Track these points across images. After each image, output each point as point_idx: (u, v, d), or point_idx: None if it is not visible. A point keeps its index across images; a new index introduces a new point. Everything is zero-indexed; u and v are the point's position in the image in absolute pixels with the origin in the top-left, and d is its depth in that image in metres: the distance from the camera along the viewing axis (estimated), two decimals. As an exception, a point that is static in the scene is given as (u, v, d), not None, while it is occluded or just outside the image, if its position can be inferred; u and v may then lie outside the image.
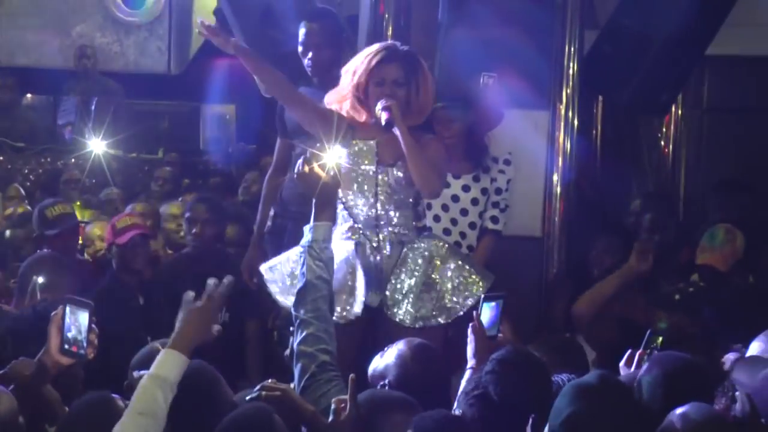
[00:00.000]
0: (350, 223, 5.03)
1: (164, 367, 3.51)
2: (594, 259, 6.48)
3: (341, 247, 4.95)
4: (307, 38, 5.93)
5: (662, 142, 9.08)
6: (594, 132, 8.66)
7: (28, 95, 11.65)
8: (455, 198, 6.11)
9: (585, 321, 5.68)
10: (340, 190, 4.86)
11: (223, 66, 10.86)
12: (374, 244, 5.00)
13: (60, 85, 11.31)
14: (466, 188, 6.12)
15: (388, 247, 5.00)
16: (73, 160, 10.13)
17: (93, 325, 3.70)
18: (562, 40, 6.52)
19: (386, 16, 6.56)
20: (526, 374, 3.68)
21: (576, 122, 6.60)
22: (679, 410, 3.22)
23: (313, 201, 4.39)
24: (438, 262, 5.03)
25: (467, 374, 4.21)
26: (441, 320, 5.01)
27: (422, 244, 5.05)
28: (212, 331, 3.69)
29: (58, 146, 10.86)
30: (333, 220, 4.45)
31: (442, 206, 6.08)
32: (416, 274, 4.99)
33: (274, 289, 5.08)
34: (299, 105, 5.15)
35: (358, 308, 4.89)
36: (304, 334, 4.07)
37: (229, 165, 10.17)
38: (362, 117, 5.04)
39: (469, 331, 4.38)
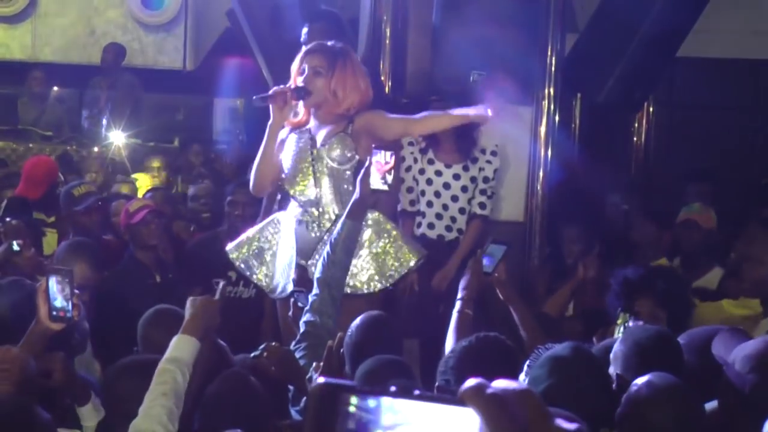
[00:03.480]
0: (297, 204, 5.05)
1: (179, 350, 3.52)
2: (565, 247, 6.49)
3: (291, 226, 4.98)
4: (308, 37, 5.89)
5: (635, 136, 9.11)
6: (573, 126, 8.67)
7: (55, 88, 11.62)
8: (447, 186, 6.13)
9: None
10: (285, 176, 4.98)
11: (234, 64, 10.84)
12: (315, 221, 4.99)
13: (85, 79, 11.30)
14: (456, 177, 6.14)
15: (327, 223, 4.97)
16: (96, 148, 10.11)
17: (75, 290, 3.74)
18: (545, 42, 6.52)
19: (385, 18, 6.56)
20: (486, 371, 3.58)
21: (557, 117, 6.60)
22: (641, 378, 3.15)
23: (351, 203, 4.47)
24: (376, 234, 5.00)
25: (457, 305, 4.25)
26: (379, 285, 4.98)
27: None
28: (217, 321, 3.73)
29: (83, 136, 10.85)
30: (360, 220, 4.49)
31: (435, 193, 6.10)
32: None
33: (240, 266, 5.14)
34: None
35: (291, 285, 4.94)
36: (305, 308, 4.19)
37: (239, 153, 10.14)
38: (296, 109, 5.07)
39: (469, 264, 4.40)
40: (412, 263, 5.01)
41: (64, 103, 11.42)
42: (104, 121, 10.73)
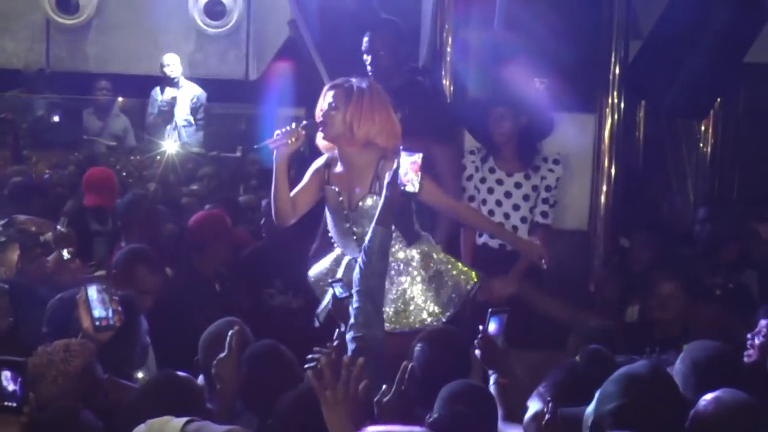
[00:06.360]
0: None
1: None
2: (632, 253, 6.40)
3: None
4: (369, 44, 5.96)
5: (701, 144, 8.99)
6: (637, 134, 8.58)
7: (120, 98, 11.75)
8: (508, 194, 6.08)
9: None
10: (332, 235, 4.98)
11: (295, 73, 10.88)
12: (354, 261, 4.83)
13: (148, 90, 11.41)
14: (518, 185, 6.09)
15: None
16: (158, 157, 10.20)
17: (114, 296, 3.72)
18: (608, 49, 6.48)
19: (446, 27, 6.54)
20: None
21: (620, 125, 6.54)
22: (710, 395, 3.12)
23: (379, 208, 4.39)
24: (414, 273, 4.93)
25: (492, 378, 4.21)
26: (443, 318, 4.89)
27: (399, 254, 4.92)
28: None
29: (145, 145, 10.96)
30: (390, 225, 4.34)
31: (496, 202, 6.06)
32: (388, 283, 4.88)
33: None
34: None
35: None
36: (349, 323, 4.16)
37: (301, 162, 10.17)
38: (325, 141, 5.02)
39: (477, 343, 4.31)
40: (468, 287, 4.96)
41: (128, 113, 11.54)
42: (169, 130, 10.83)
